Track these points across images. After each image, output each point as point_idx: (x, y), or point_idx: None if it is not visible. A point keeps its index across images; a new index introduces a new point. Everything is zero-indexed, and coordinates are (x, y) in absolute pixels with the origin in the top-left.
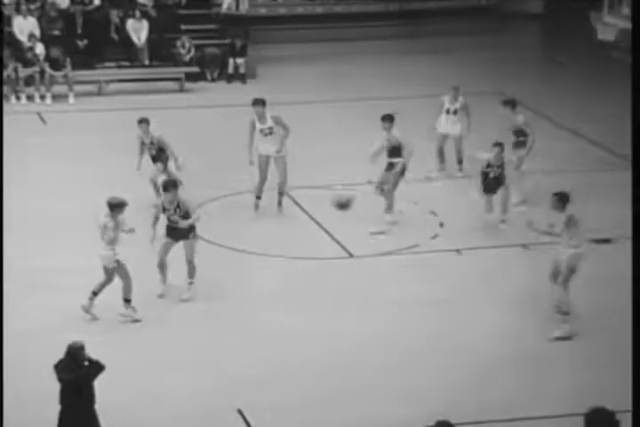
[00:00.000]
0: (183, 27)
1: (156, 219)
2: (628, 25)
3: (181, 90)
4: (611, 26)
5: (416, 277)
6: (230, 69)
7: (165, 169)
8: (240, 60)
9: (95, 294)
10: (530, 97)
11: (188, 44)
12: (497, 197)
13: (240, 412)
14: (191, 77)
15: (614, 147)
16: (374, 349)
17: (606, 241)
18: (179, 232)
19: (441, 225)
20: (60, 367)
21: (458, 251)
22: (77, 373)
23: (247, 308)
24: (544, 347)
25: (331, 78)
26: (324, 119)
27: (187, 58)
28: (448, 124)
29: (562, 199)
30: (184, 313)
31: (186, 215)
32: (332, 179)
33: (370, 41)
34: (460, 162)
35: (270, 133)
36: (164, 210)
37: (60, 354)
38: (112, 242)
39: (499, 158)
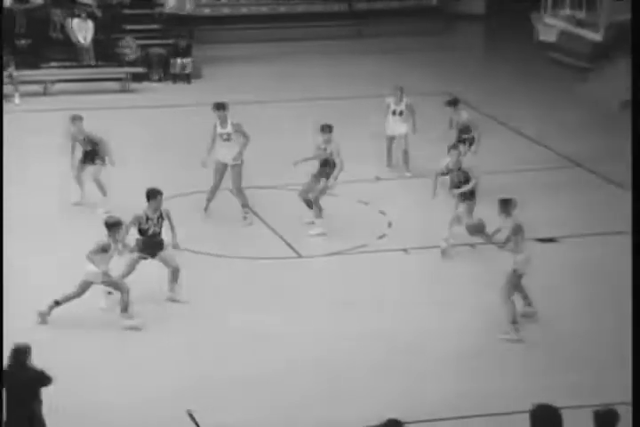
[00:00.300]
0: (127, 27)
1: (127, 231)
2: (568, 26)
3: (126, 90)
4: (551, 27)
5: (364, 277)
6: (175, 69)
7: (104, 164)
8: (185, 60)
9: (58, 303)
10: (473, 97)
11: (132, 45)
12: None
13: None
14: (136, 78)
15: (556, 146)
16: (323, 348)
17: (551, 240)
18: (156, 245)
19: (389, 225)
20: (6, 372)
21: (405, 250)
22: (22, 379)
23: (202, 308)
24: (490, 346)
25: (277, 78)
26: (269, 119)
27: (131, 58)
28: (395, 126)
29: (507, 205)
30: (142, 314)
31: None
32: (279, 179)
33: (316, 41)
34: (406, 162)
35: (228, 140)
36: (147, 219)
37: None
38: (106, 261)
39: (457, 162)
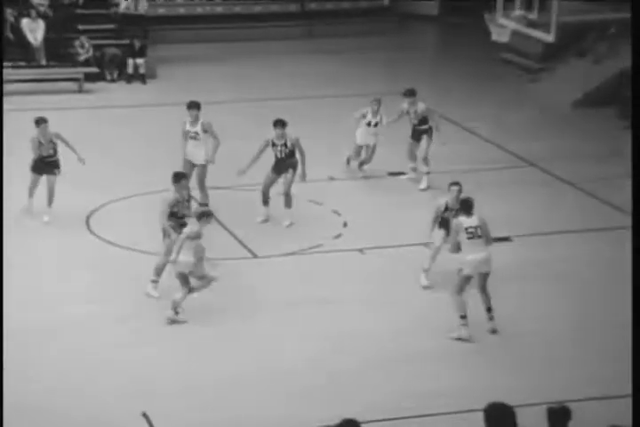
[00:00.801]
0: (81, 27)
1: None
2: (520, 27)
3: (80, 90)
4: (504, 27)
5: (319, 277)
6: (130, 70)
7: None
8: (139, 61)
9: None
10: (426, 97)
11: (86, 45)
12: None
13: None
14: (90, 78)
15: (509, 145)
16: (284, 349)
17: (505, 239)
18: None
19: (344, 225)
20: None
21: (361, 250)
22: None
23: (150, 309)
24: (439, 346)
25: (231, 79)
26: (224, 120)
27: (84, 58)
28: (368, 137)
29: (468, 205)
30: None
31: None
32: (234, 179)
33: (270, 41)
34: (361, 164)
35: (195, 138)
36: (177, 203)
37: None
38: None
39: (457, 201)
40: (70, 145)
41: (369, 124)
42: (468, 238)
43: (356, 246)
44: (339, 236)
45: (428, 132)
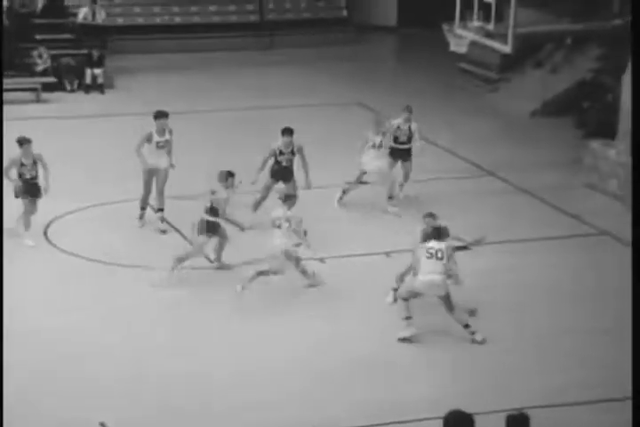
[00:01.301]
0: (38, 36)
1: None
2: (477, 37)
3: (38, 100)
4: (462, 38)
5: (279, 286)
6: (88, 80)
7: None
8: (98, 71)
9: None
10: (385, 107)
11: (44, 55)
12: None
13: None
14: (48, 88)
15: (468, 155)
16: (226, 362)
17: (464, 248)
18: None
19: (305, 233)
20: None
21: (321, 260)
22: None
23: (116, 320)
24: (391, 354)
25: (190, 89)
26: (182, 130)
27: (41, 68)
28: (373, 161)
29: (439, 233)
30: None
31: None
32: (190, 189)
33: (229, 52)
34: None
35: (163, 147)
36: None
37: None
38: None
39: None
40: (47, 170)
41: (373, 145)
42: (427, 257)
43: (317, 255)
44: (299, 245)
45: (409, 151)
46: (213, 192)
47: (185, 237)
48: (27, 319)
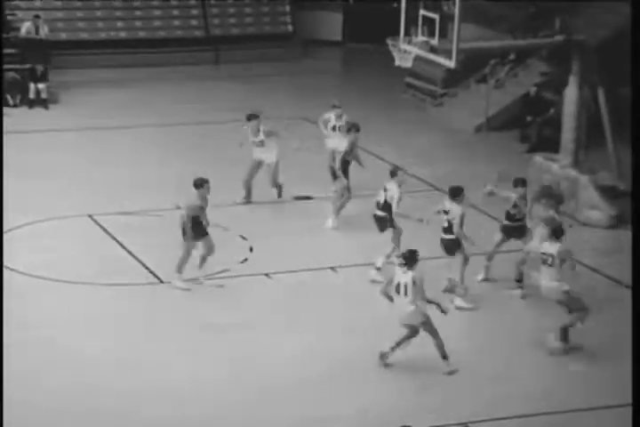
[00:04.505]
0: None
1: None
2: (422, 52)
3: None
4: (407, 53)
5: (226, 302)
6: (31, 95)
7: None
8: (41, 86)
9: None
10: None
11: None
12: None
13: None
14: None
15: (414, 170)
16: (184, 377)
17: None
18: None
19: (250, 249)
20: None
21: (267, 275)
22: None
23: (56, 335)
24: (341, 369)
25: (135, 104)
26: (126, 145)
27: None
28: (337, 141)
29: (408, 258)
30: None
31: None
32: (138, 205)
33: (175, 66)
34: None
35: (262, 145)
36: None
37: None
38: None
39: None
40: None
41: (334, 128)
42: (396, 291)
43: (263, 271)
44: (245, 260)
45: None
46: (178, 207)
47: (131, 253)
48: None
